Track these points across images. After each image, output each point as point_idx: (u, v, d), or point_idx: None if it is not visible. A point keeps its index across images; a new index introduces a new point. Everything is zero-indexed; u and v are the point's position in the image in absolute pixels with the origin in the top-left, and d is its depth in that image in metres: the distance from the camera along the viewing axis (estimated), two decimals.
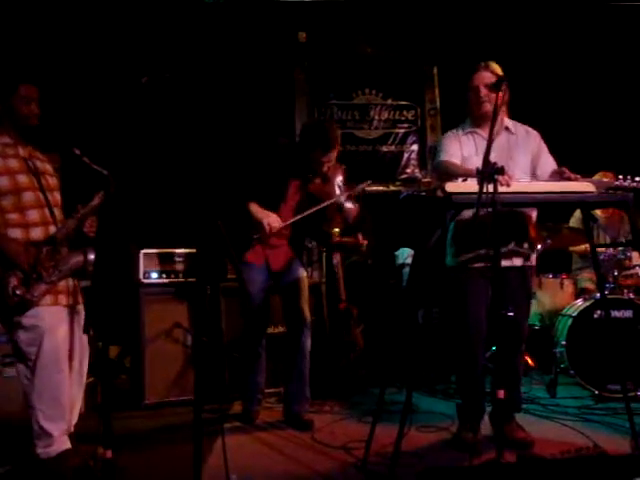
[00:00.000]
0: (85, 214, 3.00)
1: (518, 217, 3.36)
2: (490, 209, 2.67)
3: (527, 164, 3.38)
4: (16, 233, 2.90)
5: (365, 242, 3.99)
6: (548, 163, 3.40)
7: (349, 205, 3.79)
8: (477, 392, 3.40)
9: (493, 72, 3.29)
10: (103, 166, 2.93)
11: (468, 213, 3.11)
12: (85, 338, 3.09)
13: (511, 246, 3.34)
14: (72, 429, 3.09)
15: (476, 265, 3.32)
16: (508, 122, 3.45)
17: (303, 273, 3.93)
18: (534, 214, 3.47)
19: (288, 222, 3.71)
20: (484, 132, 3.38)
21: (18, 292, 2.80)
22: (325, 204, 3.69)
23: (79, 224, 3.00)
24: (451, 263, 3.41)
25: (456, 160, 3.33)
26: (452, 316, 3.46)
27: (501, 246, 3.23)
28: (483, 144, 3.34)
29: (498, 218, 2.70)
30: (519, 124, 3.48)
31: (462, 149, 3.39)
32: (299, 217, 3.70)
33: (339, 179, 3.85)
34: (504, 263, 3.22)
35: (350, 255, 5.15)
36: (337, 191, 3.77)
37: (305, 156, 3.75)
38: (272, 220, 3.67)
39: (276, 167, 3.77)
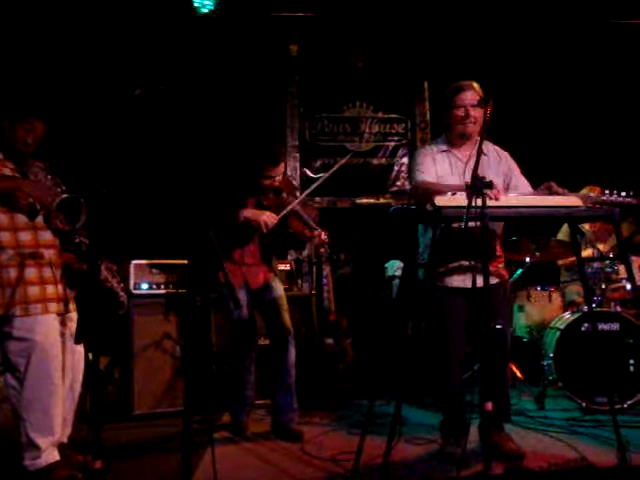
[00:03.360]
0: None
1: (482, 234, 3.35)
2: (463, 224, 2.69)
3: (499, 185, 3.39)
4: (5, 237, 2.90)
5: (325, 238, 4.01)
6: (520, 183, 3.42)
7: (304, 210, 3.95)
8: (458, 407, 3.41)
9: (477, 92, 3.31)
10: (95, 178, 2.93)
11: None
12: (80, 349, 3.08)
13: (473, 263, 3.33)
14: (65, 440, 3.08)
15: (446, 283, 3.33)
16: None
17: (281, 288, 4.01)
18: (499, 229, 3.47)
19: (281, 215, 3.79)
20: (459, 152, 3.40)
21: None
22: (287, 209, 3.81)
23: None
24: (421, 278, 3.43)
25: (430, 179, 3.31)
26: (431, 332, 3.46)
27: (468, 262, 3.25)
28: (458, 164, 3.39)
29: (465, 234, 2.71)
30: (490, 144, 3.47)
31: (436, 168, 3.36)
32: (282, 214, 3.79)
33: (292, 188, 4.17)
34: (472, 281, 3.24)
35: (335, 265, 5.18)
36: (291, 199, 3.90)
37: (255, 173, 3.86)
38: (267, 217, 3.75)
39: (236, 188, 3.92)
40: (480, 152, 2.83)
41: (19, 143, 2.98)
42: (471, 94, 3.30)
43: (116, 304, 3.21)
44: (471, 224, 2.77)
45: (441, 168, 3.37)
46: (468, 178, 3.23)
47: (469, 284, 3.23)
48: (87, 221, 2.95)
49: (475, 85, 3.34)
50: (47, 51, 5.07)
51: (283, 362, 3.86)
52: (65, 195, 2.93)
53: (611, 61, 5.94)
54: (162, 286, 4.41)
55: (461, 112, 3.33)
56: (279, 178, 3.91)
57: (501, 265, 3.50)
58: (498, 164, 3.43)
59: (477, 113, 3.30)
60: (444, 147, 3.44)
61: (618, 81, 5.97)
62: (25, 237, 2.95)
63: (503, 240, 3.59)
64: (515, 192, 3.33)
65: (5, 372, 2.94)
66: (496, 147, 3.51)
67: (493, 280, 3.36)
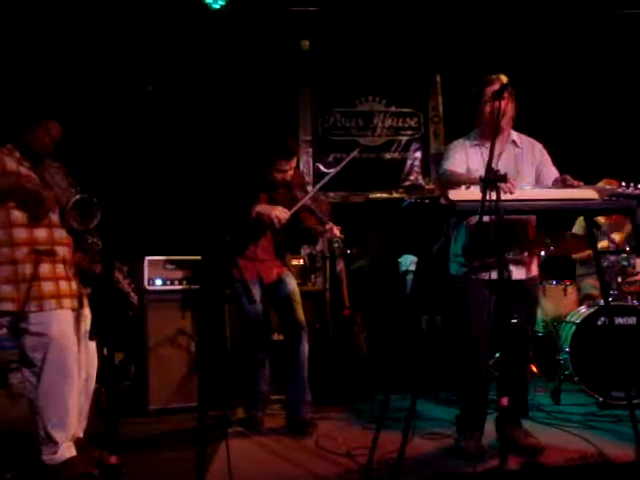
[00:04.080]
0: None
1: (519, 224, 3.35)
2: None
3: (532, 176, 3.39)
4: (21, 233, 2.92)
5: (337, 233, 3.99)
6: (551, 174, 3.41)
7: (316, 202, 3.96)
8: (478, 402, 3.39)
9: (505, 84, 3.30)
10: (109, 175, 2.95)
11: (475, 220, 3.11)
12: (94, 345, 3.10)
13: (512, 254, 3.34)
14: (81, 434, 3.10)
15: (481, 275, 3.32)
16: (514, 135, 3.44)
17: (294, 283, 4.02)
18: (533, 218, 3.47)
19: (293, 211, 3.79)
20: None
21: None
22: (299, 205, 3.80)
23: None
24: (457, 272, 3.41)
25: (460, 170, 3.31)
26: (455, 326, 3.45)
27: (504, 254, 3.25)
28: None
29: (502, 226, 2.70)
30: (524, 136, 3.48)
31: (469, 161, 3.37)
32: (294, 209, 3.80)
33: (303, 183, 4.14)
34: (515, 274, 3.26)
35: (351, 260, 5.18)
36: (302, 194, 3.90)
37: (268, 168, 3.84)
38: (279, 212, 3.75)
39: (248, 182, 3.91)
40: (493, 144, 2.80)
41: (37, 145, 3.01)
42: (497, 87, 3.25)
43: (127, 305, 3.23)
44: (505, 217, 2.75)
45: (474, 162, 3.36)
46: (502, 171, 3.21)
47: (511, 276, 3.27)
48: (101, 220, 2.97)
49: (502, 77, 3.31)
50: (61, 49, 5.08)
51: (296, 356, 3.87)
52: (79, 195, 2.95)
53: (628, 53, 5.87)
54: (176, 282, 4.43)
55: (489, 107, 3.30)
56: (291, 172, 3.90)
57: (535, 260, 3.49)
58: (532, 155, 3.42)
59: (505, 105, 3.26)
60: (476, 141, 3.43)
61: (635, 73, 5.90)
62: (40, 234, 2.97)
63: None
64: (543, 182, 3.33)
65: (22, 368, 2.97)
66: (530, 139, 3.50)
67: (527, 274, 3.39)
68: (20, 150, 3.01)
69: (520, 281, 3.36)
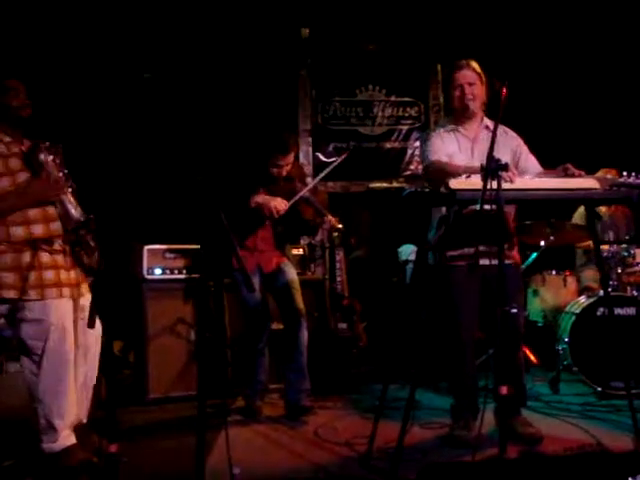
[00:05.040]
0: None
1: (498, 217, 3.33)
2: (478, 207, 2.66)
3: (509, 160, 3.36)
4: (18, 231, 2.91)
5: (336, 224, 4.01)
6: (529, 161, 3.43)
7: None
8: (469, 391, 3.41)
9: (474, 70, 3.35)
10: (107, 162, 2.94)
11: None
12: (97, 332, 3.08)
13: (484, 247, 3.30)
14: (84, 420, 3.10)
15: (459, 263, 3.31)
16: (487, 121, 3.45)
17: (294, 272, 4.04)
18: (512, 210, 3.46)
19: (291, 202, 3.81)
20: (465, 130, 3.42)
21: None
22: (298, 196, 3.83)
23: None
24: (434, 262, 3.42)
25: (445, 159, 3.31)
26: (442, 316, 3.44)
27: (481, 245, 3.25)
28: (465, 142, 3.41)
29: (479, 219, 2.69)
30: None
31: (445, 147, 3.37)
32: (293, 201, 3.82)
33: (302, 174, 4.18)
34: (484, 262, 3.24)
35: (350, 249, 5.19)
36: (301, 186, 3.93)
37: (266, 163, 3.85)
38: (277, 203, 3.76)
39: (246, 177, 3.92)
40: (495, 133, 2.79)
41: (16, 108, 2.99)
42: (468, 72, 3.33)
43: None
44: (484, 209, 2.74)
45: (450, 147, 3.38)
46: (476, 157, 3.26)
47: (485, 264, 3.23)
48: (101, 209, 2.97)
49: (472, 63, 3.37)
50: (57, 38, 5.04)
51: (296, 344, 3.88)
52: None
53: (627, 41, 5.83)
54: (176, 271, 4.43)
55: (458, 91, 3.36)
56: (287, 168, 3.90)
57: (514, 248, 3.48)
58: (505, 142, 3.41)
59: (475, 90, 3.34)
60: (450, 126, 3.45)
61: (635, 63, 5.87)
62: (37, 230, 2.96)
63: (517, 223, 3.57)
64: (525, 171, 3.33)
65: (22, 356, 2.96)
66: (503, 126, 3.47)
67: (505, 262, 3.35)
68: (4, 130, 3.00)
69: (491, 269, 3.30)
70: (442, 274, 3.27)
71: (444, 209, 3.28)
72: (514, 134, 3.50)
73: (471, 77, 3.32)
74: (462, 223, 3.04)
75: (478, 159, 3.16)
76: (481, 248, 3.26)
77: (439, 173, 3.17)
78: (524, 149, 3.47)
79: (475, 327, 3.43)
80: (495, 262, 3.22)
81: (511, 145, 3.44)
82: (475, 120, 3.43)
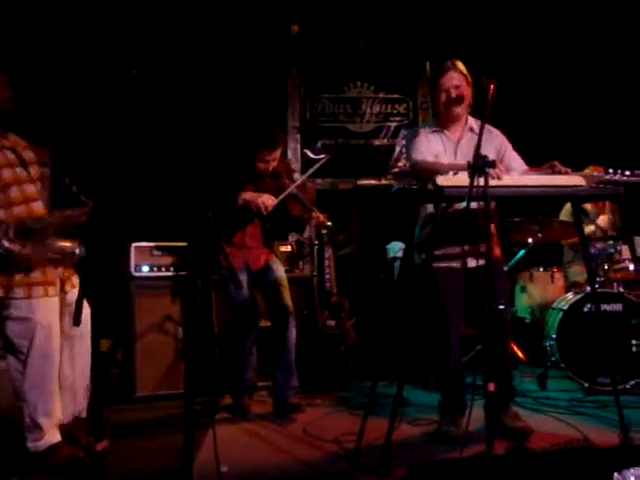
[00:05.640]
0: (65, 220, 2.98)
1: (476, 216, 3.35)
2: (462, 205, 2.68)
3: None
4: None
5: (324, 221, 4.00)
6: (513, 159, 3.43)
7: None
8: (456, 387, 3.43)
9: (461, 72, 3.33)
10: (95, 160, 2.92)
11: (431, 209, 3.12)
12: (87, 329, 3.06)
13: (467, 247, 3.32)
14: (83, 414, 3.10)
15: (443, 263, 3.33)
16: (472, 122, 3.45)
17: (282, 270, 4.03)
18: (492, 205, 3.46)
19: (279, 199, 3.78)
20: (450, 133, 3.42)
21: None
22: (286, 193, 3.80)
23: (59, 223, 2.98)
24: (419, 261, 3.44)
25: (431, 158, 3.31)
26: (428, 313, 3.45)
27: (463, 245, 3.28)
28: (450, 144, 3.41)
29: (465, 215, 2.70)
30: (480, 122, 3.47)
31: (431, 148, 3.37)
32: (281, 197, 3.79)
33: (290, 170, 4.17)
34: (470, 263, 3.28)
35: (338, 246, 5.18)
36: (289, 182, 3.91)
37: (253, 158, 3.84)
38: (265, 199, 3.74)
39: (233, 171, 3.92)
40: (482, 131, 2.80)
41: None
42: (454, 75, 3.31)
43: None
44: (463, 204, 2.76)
45: (435, 148, 3.37)
46: (459, 158, 3.27)
47: (468, 264, 3.29)
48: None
49: (458, 63, 3.34)
50: (44, 33, 5.01)
51: (284, 341, 3.88)
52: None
53: (613, 39, 5.86)
54: (163, 268, 4.40)
55: (444, 96, 3.34)
56: (274, 163, 3.89)
57: (494, 244, 3.48)
58: (490, 141, 3.41)
59: (462, 91, 3.32)
60: (435, 127, 3.45)
61: (621, 60, 5.90)
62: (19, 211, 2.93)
63: (499, 219, 3.58)
64: (510, 168, 3.32)
65: (8, 355, 2.94)
66: (487, 125, 3.47)
67: (480, 261, 3.36)
68: None
69: (475, 268, 3.29)
70: (428, 272, 3.28)
71: (430, 207, 3.28)
72: (498, 132, 3.51)
73: (457, 79, 3.30)
74: (446, 222, 3.05)
75: (461, 161, 3.16)
76: (466, 247, 3.27)
77: (425, 172, 3.17)
78: (508, 147, 3.48)
79: (461, 324, 3.44)
80: (478, 261, 3.29)
81: (495, 143, 3.44)
82: (459, 123, 3.42)
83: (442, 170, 3.05)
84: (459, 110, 3.35)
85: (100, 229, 2.88)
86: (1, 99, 2.97)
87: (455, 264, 3.35)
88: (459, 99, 3.31)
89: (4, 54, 4.56)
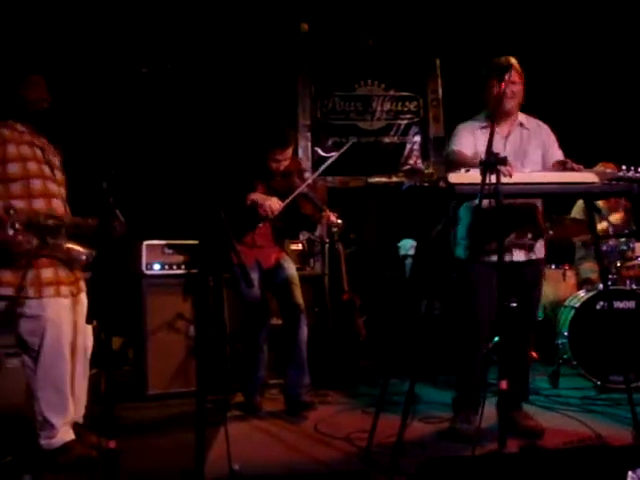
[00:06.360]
0: (80, 225, 3.01)
1: (526, 208, 3.35)
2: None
3: (539, 158, 3.39)
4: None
5: (335, 219, 3.99)
6: (555, 156, 3.40)
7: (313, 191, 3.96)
8: (476, 384, 3.41)
9: (517, 70, 3.31)
10: (106, 159, 2.92)
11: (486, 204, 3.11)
12: (89, 329, 3.10)
13: (513, 238, 3.33)
14: (81, 420, 3.10)
15: (487, 259, 3.31)
16: (522, 117, 3.44)
17: (293, 267, 4.03)
18: (539, 203, 3.47)
19: (286, 203, 3.79)
20: (500, 129, 3.38)
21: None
22: (293, 196, 3.81)
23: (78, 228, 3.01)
24: (463, 255, 3.41)
25: (468, 152, 3.30)
26: (459, 309, 3.45)
27: (507, 237, 3.27)
28: (498, 140, 3.36)
29: (507, 209, 2.69)
30: (531, 118, 3.48)
31: (477, 143, 3.35)
32: (287, 201, 3.80)
33: (301, 169, 4.16)
34: (516, 257, 3.31)
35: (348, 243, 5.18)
36: (300, 182, 3.91)
37: (264, 157, 3.84)
38: (272, 202, 3.75)
39: (244, 170, 3.93)
40: (493, 127, 2.78)
41: (34, 102, 3.01)
42: (512, 72, 3.27)
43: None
44: (511, 201, 2.78)
45: (480, 143, 3.33)
46: (509, 152, 3.22)
47: (512, 258, 3.32)
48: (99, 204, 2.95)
49: (513, 61, 3.31)
50: (54, 30, 5.03)
51: (295, 339, 3.88)
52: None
53: (624, 36, 5.82)
54: (175, 266, 4.42)
55: (497, 90, 3.28)
56: (286, 163, 3.89)
57: (541, 243, 3.49)
58: (538, 137, 3.42)
59: (516, 88, 3.31)
60: (484, 123, 3.42)
61: (634, 57, 5.86)
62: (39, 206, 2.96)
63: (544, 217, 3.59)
64: (549, 164, 3.34)
65: (22, 353, 2.96)
66: (537, 120, 3.50)
67: (533, 255, 3.40)
68: (21, 122, 3.00)
69: (520, 263, 3.35)
70: (468, 269, 3.31)
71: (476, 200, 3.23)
72: (546, 127, 3.49)
73: (515, 77, 3.29)
74: (487, 216, 3.01)
75: (511, 156, 3.12)
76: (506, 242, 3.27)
77: (454, 163, 3.20)
78: (554, 144, 3.45)
79: (491, 320, 3.41)
80: (517, 257, 3.31)
81: (542, 140, 3.43)
82: (511, 118, 3.41)
83: (465, 164, 3.05)
84: (511, 105, 3.33)
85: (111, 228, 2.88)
86: (37, 99, 3.02)
87: (494, 258, 3.32)
88: (513, 95, 3.30)
89: (20, 54, 4.61)
